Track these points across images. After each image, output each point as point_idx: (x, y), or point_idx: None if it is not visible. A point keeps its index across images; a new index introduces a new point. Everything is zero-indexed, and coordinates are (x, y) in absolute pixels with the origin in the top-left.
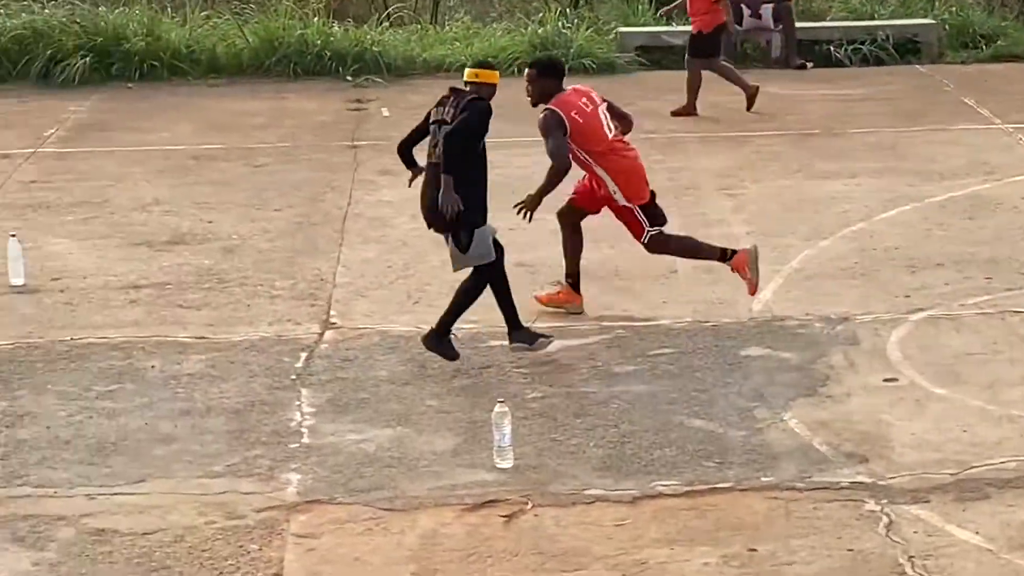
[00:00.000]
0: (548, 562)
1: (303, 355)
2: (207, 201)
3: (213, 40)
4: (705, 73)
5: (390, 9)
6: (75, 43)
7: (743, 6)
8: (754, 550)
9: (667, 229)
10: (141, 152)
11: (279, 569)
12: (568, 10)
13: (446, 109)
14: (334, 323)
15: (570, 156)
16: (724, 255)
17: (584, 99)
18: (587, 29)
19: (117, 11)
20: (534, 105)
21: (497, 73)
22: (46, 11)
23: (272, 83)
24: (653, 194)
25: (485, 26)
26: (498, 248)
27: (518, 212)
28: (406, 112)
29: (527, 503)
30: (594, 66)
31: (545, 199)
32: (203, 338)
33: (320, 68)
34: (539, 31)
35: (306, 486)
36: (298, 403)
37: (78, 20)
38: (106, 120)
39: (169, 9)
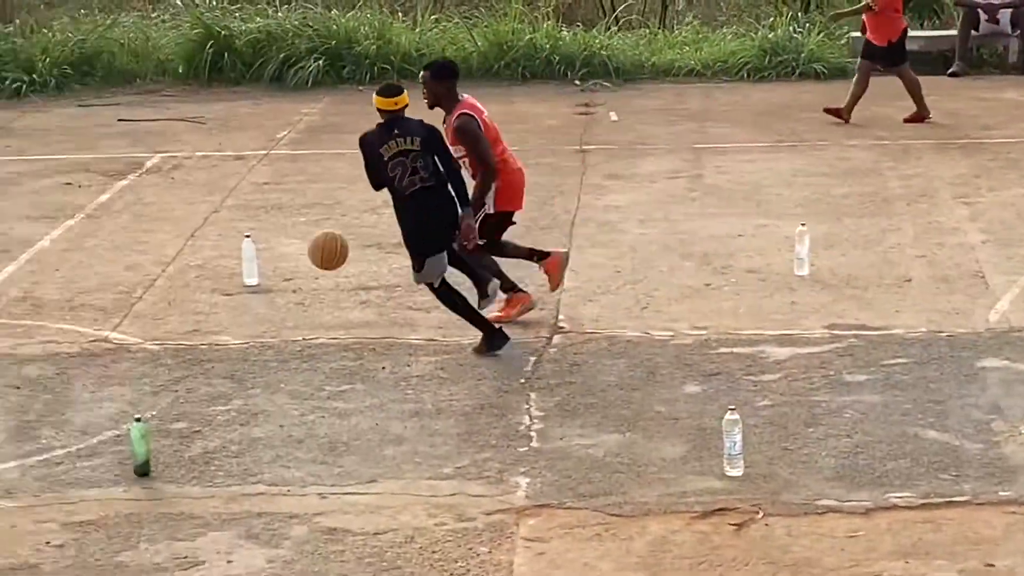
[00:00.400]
0: (779, 572)
1: (532, 359)
2: None
3: (443, 43)
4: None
5: (618, 13)
6: (308, 46)
7: (980, 11)
8: (991, 565)
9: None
10: None
11: (509, 573)
12: (799, 14)
13: (408, 139)
14: (562, 327)
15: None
16: (533, 255)
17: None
18: (819, 34)
19: (349, 15)
20: (431, 108)
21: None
22: (280, 15)
23: (501, 86)
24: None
25: (714, 30)
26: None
27: (468, 244)
28: (634, 116)
29: (758, 512)
30: (825, 71)
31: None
32: (432, 340)
33: (548, 72)
34: (769, 36)
35: (535, 490)
36: (527, 407)
37: (311, 24)
38: (337, 122)
39: (400, 13)
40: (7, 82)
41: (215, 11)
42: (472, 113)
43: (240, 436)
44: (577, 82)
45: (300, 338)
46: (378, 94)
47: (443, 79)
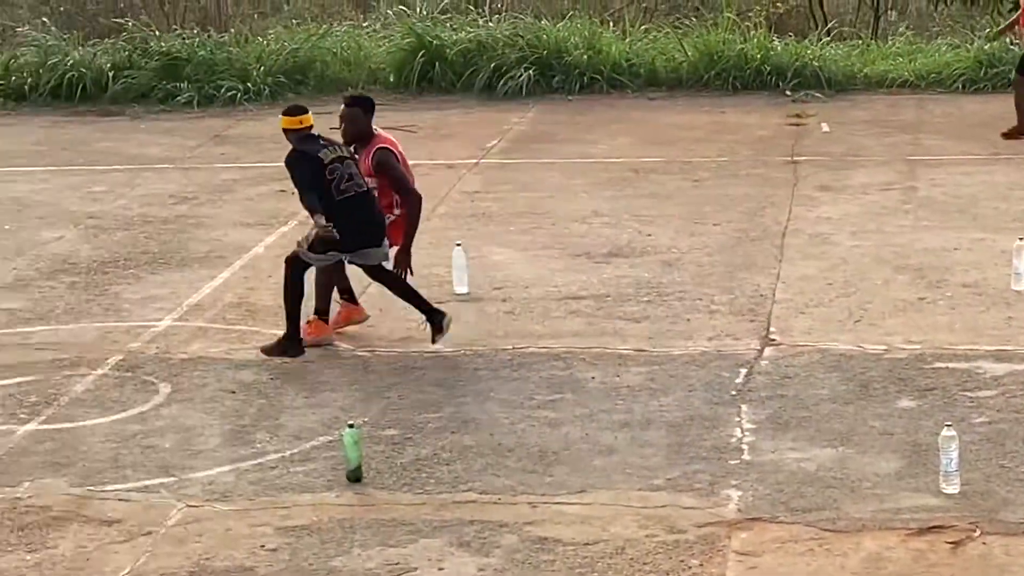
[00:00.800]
0: None
1: (743, 371)
2: (646, 214)
3: (652, 54)
4: None
5: (830, 24)
6: (518, 56)
7: None
8: None
9: None
10: (581, 164)
11: None
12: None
13: (334, 147)
14: (774, 339)
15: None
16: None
17: None
18: None
19: (559, 25)
20: (347, 144)
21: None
22: (490, 25)
23: (711, 97)
24: None
25: (927, 41)
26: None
27: (401, 273)
28: (846, 128)
29: (975, 530)
30: None
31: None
32: (642, 351)
33: (759, 82)
34: (985, 47)
35: (747, 503)
36: (738, 419)
37: (521, 34)
38: (547, 132)
39: (610, 23)
40: (222, 91)
41: (426, 21)
42: (390, 147)
43: (451, 443)
44: (788, 92)
45: (510, 347)
46: (285, 114)
47: (369, 112)
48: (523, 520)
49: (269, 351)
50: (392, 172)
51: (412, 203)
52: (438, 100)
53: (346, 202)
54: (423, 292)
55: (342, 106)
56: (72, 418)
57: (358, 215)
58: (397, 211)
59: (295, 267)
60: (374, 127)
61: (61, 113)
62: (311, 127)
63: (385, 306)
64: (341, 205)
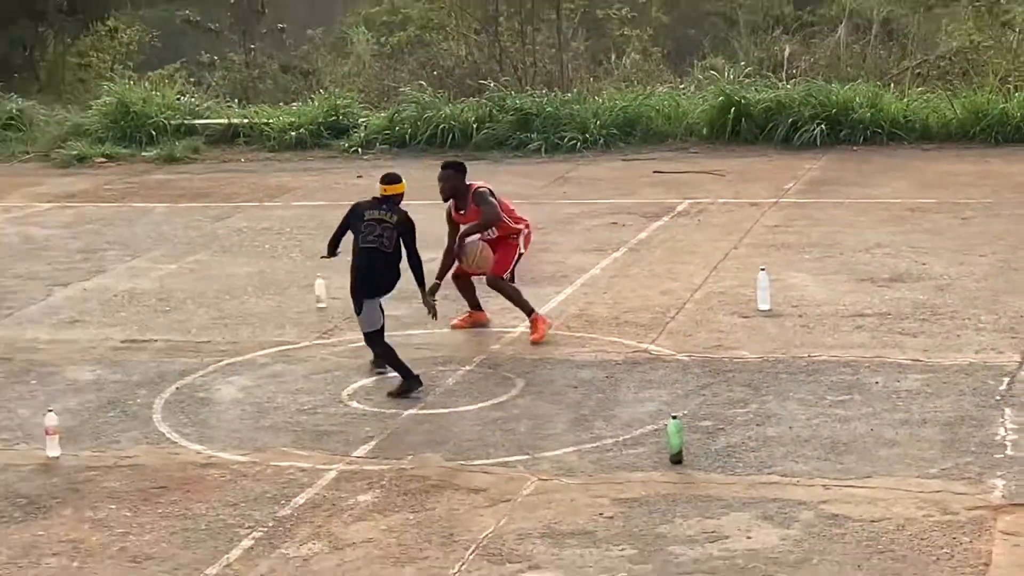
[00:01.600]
0: None
1: (1006, 380)
2: (922, 246)
3: (926, 111)
4: None
5: None
6: (811, 113)
7: None
8: None
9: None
10: (865, 204)
11: (988, 560)
12: None
13: (386, 214)
14: None
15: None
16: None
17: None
18: None
19: (847, 87)
20: (445, 199)
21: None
22: (788, 86)
23: (976, 149)
24: None
25: None
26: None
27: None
28: None
29: None
30: None
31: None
32: (918, 360)
33: (1019, 137)
34: None
35: (1010, 491)
36: (1002, 420)
37: (814, 95)
38: (835, 176)
39: (892, 85)
40: (565, 140)
41: (734, 84)
42: (483, 187)
43: (756, 434)
44: None
45: (806, 355)
46: (380, 182)
47: (462, 173)
48: (818, 499)
49: (395, 394)
50: (484, 203)
51: (484, 218)
52: (743, 149)
53: (362, 251)
54: (732, 309)
55: (440, 170)
56: (446, 405)
57: (366, 265)
58: (517, 237)
59: (369, 337)
60: (468, 181)
61: (433, 157)
62: (393, 195)
63: (701, 319)
64: (357, 253)
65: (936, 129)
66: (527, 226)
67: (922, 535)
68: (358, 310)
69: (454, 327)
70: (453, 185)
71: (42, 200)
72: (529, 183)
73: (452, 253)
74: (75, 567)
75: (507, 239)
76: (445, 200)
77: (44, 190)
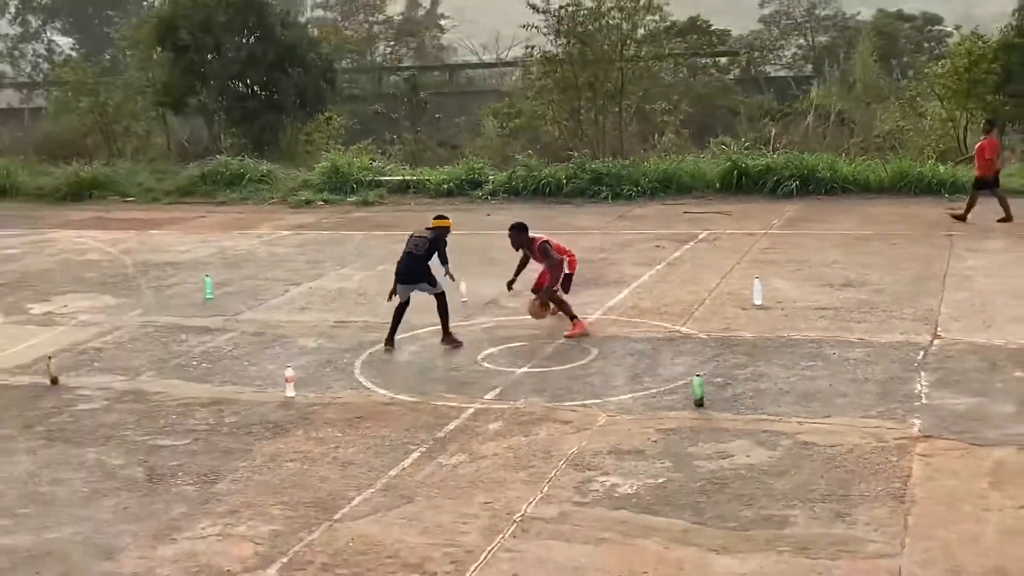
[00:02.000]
0: None
1: (921, 352)
2: (864, 262)
3: (867, 172)
4: None
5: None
6: (789, 173)
7: None
8: None
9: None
10: (826, 234)
11: (909, 473)
12: None
13: (424, 232)
14: (940, 335)
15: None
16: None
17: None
18: None
19: (814, 156)
20: (516, 249)
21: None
22: (774, 155)
23: (901, 198)
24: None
25: None
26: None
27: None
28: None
29: None
30: None
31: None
32: (862, 339)
33: (931, 190)
34: None
35: (924, 427)
36: (918, 379)
37: (792, 162)
38: (806, 216)
39: (843, 154)
40: (624, 190)
41: (738, 153)
42: (546, 240)
43: (752, 388)
44: (946, 196)
45: (786, 335)
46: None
47: (523, 232)
48: (794, 432)
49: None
50: (545, 253)
51: (554, 271)
52: (744, 197)
53: (403, 254)
54: (736, 304)
55: (509, 231)
56: (545, 366)
57: (403, 263)
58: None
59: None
60: (532, 235)
61: (537, 203)
62: (436, 228)
63: (715, 310)
64: (404, 254)
65: (874, 184)
66: (571, 256)
67: (865, 456)
68: (393, 291)
69: (567, 337)
70: (517, 240)
71: (282, 229)
72: (601, 219)
73: (522, 266)
74: (304, 469)
75: (560, 263)
76: (516, 250)
77: (284, 222)
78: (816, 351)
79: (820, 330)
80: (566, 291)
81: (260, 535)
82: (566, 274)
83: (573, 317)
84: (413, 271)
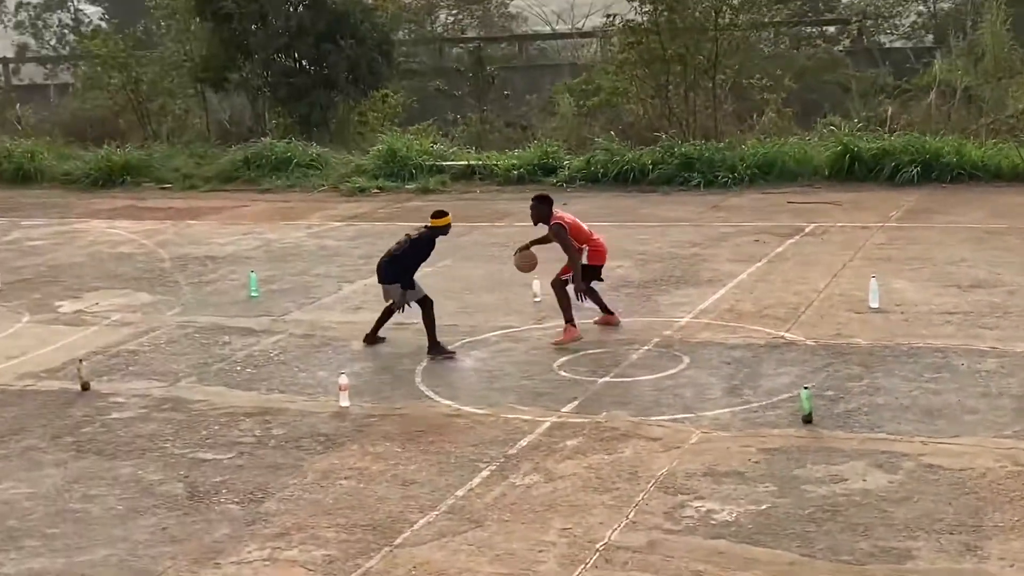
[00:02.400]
0: None
1: None
2: (995, 260)
3: (999, 158)
4: None
5: None
6: (909, 158)
7: None
8: None
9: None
10: (951, 228)
11: None
12: None
13: (414, 232)
14: None
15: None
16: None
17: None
18: None
19: (937, 139)
20: (535, 223)
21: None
22: (891, 138)
23: None
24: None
25: None
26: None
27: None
28: None
29: None
30: None
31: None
32: (995, 347)
33: None
34: None
35: None
36: None
37: (912, 145)
38: (928, 207)
39: (973, 136)
40: (718, 178)
41: (849, 135)
42: (561, 223)
43: (868, 402)
44: None
45: (906, 343)
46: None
47: (546, 204)
48: (917, 452)
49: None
50: (559, 238)
51: (570, 257)
52: (856, 186)
53: (392, 253)
54: (848, 307)
55: (531, 202)
56: (630, 375)
57: (390, 261)
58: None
59: (392, 309)
60: (555, 211)
61: (618, 191)
62: (435, 225)
63: (824, 314)
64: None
65: (1007, 171)
66: (595, 245)
67: (999, 481)
68: (385, 294)
69: (554, 344)
70: (538, 213)
71: (334, 219)
72: (692, 210)
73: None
74: (361, 488)
75: (573, 249)
76: (535, 224)
77: (335, 212)
78: (942, 361)
79: (946, 337)
80: (588, 282)
81: (312, 561)
82: (589, 266)
83: (568, 320)
84: (386, 272)
